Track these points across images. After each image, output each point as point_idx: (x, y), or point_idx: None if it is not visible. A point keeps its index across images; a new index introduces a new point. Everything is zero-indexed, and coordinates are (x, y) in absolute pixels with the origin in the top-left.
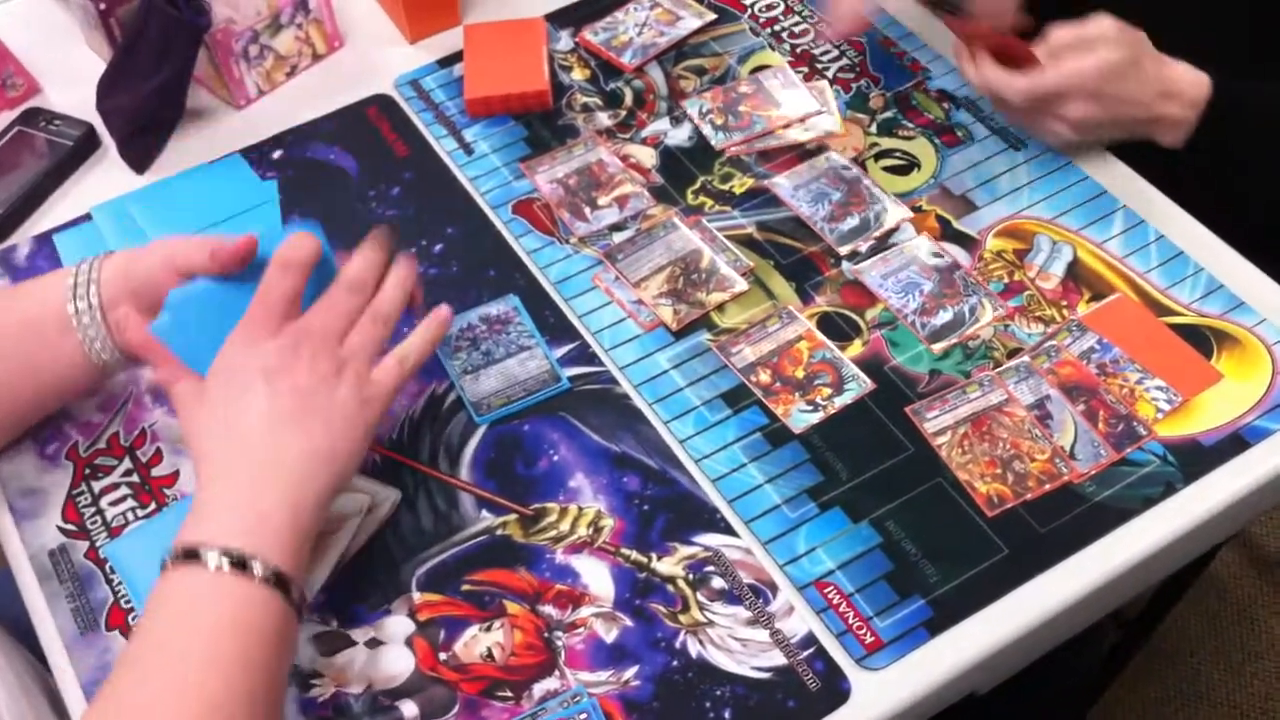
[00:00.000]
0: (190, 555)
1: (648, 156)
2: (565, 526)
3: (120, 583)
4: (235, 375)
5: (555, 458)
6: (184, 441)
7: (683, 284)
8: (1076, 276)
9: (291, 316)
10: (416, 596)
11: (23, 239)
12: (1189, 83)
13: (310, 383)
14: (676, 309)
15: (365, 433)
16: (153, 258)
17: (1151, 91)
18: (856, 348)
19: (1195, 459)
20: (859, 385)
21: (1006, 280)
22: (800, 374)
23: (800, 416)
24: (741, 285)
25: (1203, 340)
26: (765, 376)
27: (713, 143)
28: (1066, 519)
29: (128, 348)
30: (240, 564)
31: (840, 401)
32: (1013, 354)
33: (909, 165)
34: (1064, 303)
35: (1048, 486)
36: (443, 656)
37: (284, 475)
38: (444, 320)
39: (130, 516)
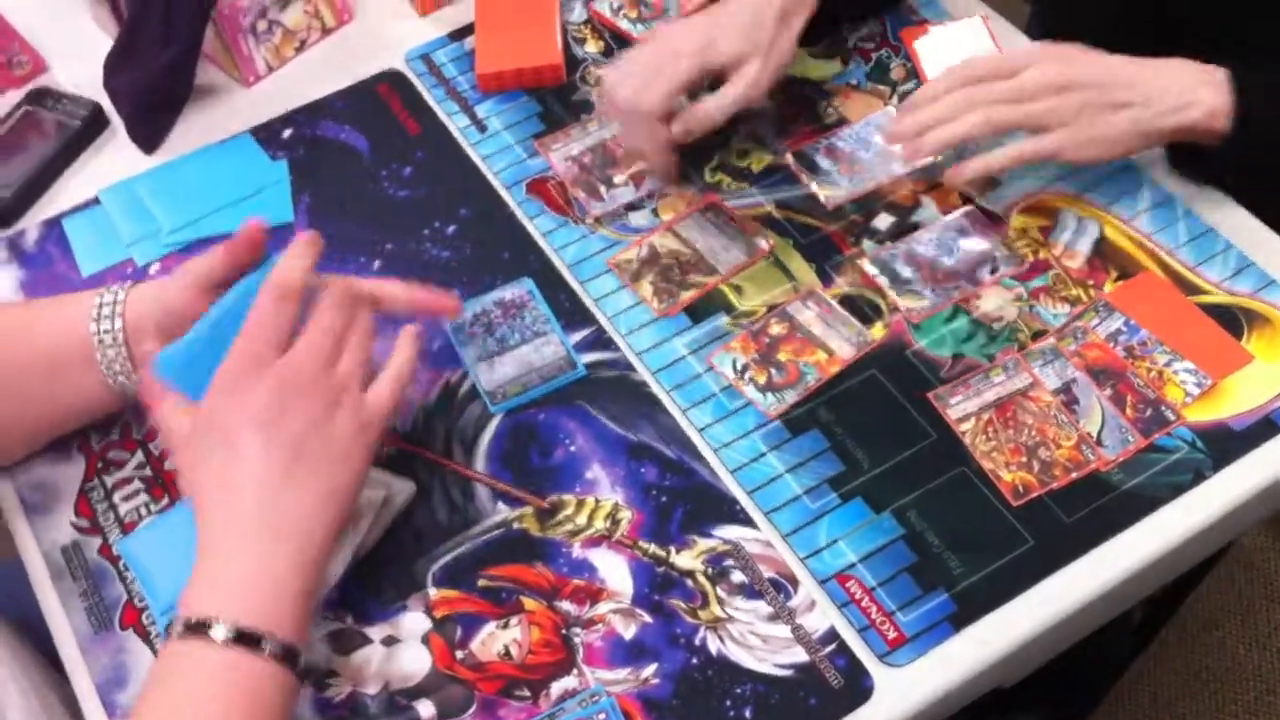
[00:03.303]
0: (198, 629)
1: None
2: (582, 519)
3: (134, 580)
4: (226, 430)
5: (572, 448)
6: (183, 485)
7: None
8: (1103, 254)
9: (284, 349)
10: (432, 593)
11: (31, 223)
12: (1200, 68)
13: (305, 427)
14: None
15: (365, 457)
16: (178, 282)
17: (1126, 72)
18: (878, 330)
19: (1225, 445)
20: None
21: (1031, 258)
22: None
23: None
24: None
25: (1233, 320)
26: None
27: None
28: (1094, 508)
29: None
30: (251, 641)
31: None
32: (1038, 336)
33: None
34: (1090, 282)
35: (1074, 475)
36: (459, 655)
37: (291, 535)
38: (418, 335)
39: (143, 511)
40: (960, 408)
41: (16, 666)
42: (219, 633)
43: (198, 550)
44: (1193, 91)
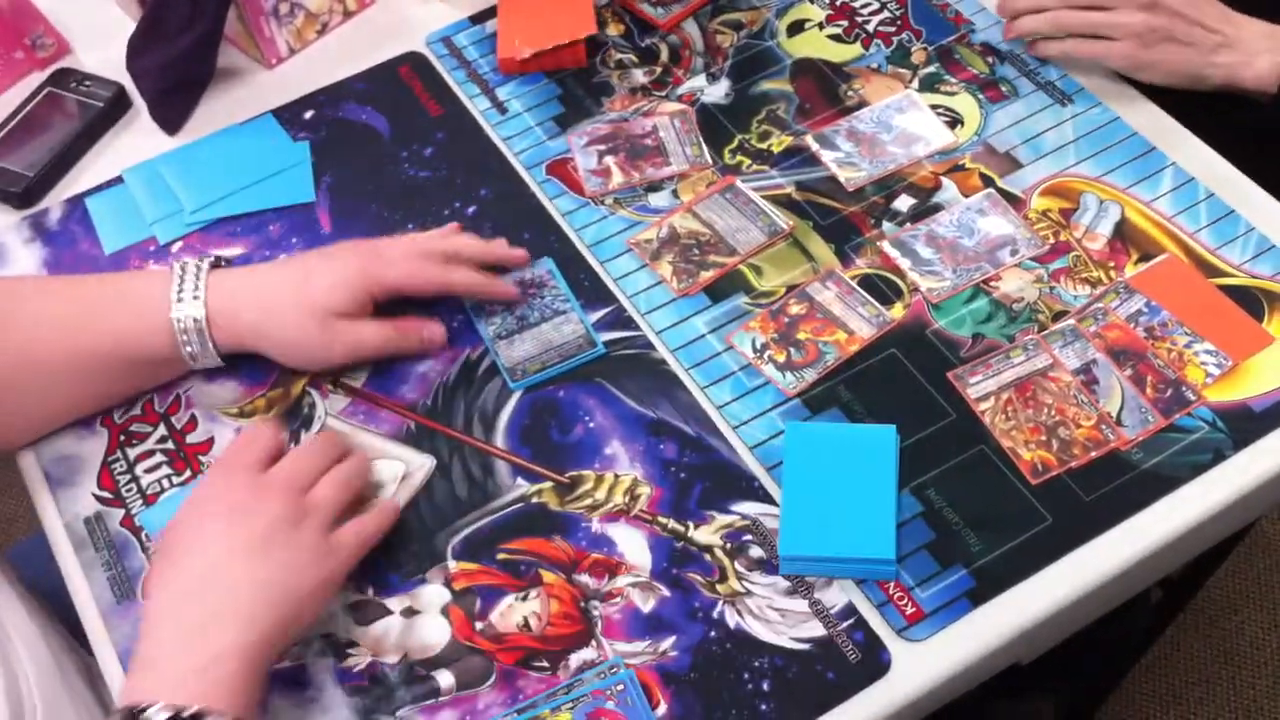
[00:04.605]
0: (136, 716)
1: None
2: (601, 494)
3: (156, 551)
4: (196, 519)
5: (591, 424)
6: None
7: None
8: (1124, 236)
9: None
10: (452, 565)
11: (55, 202)
12: (1263, 27)
13: (268, 526)
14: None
15: (325, 584)
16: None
17: (1215, 13)
18: (898, 310)
19: (1245, 425)
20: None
21: (1052, 240)
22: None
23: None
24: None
25: (1254, 302)
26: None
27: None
28: (1113, 487)
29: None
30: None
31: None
32: (1058, 317)
33: (952, 122)
34: (1111, 264)
35: (1094, 454)
36: (479, 626)
37: (239, 613)
38: (395, 509)
39: (165, 484)
40: (980, 387)
41: (33, 635)
42: (159, 716)
43: (139, 634)
44: (1254, 54)
